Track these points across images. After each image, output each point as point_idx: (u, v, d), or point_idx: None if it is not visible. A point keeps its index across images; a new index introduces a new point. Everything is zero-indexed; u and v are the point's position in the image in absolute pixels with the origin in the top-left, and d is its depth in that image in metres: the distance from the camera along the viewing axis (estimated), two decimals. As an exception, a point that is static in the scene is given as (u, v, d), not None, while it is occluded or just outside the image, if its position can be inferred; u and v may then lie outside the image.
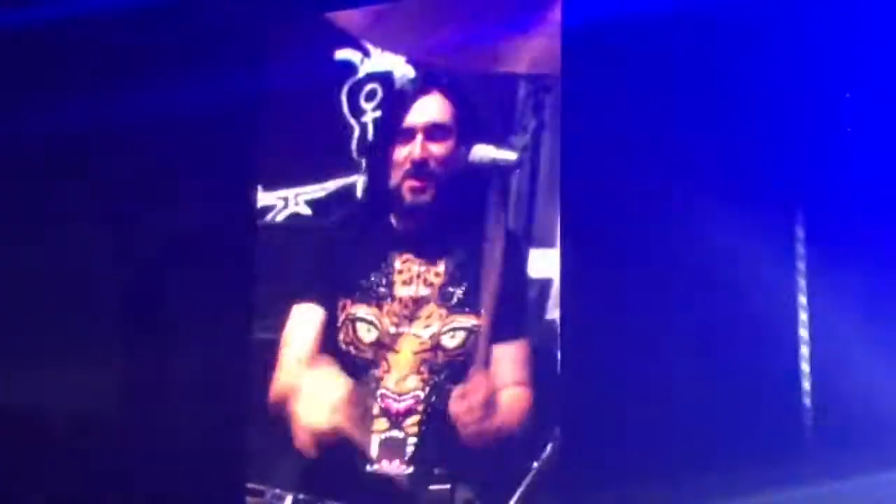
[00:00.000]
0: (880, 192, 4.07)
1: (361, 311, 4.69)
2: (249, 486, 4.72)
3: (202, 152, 4.91)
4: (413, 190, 4.64)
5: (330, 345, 4.72)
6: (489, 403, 4.49)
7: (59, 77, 5.04)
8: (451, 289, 4.64)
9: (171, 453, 4.80)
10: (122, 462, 4.87)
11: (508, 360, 4.56)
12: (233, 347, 4.81)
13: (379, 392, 4.62)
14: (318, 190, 4.86)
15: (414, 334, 4.63)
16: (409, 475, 4.58)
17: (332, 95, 4.87)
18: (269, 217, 4.92)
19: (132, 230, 5.04)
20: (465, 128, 4.65)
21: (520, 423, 4.50)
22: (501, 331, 4.59)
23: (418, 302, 4.64)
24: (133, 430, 4.89)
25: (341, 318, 4.71)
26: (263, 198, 4.92)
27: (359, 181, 4.80)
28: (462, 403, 4.50)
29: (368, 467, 4.61)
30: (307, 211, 4.88)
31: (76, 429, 4.98)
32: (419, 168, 4.62)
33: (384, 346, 4.65)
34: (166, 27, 4.94)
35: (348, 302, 4.70)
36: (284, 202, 4.90)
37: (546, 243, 4.54)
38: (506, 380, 4.54)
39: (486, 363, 4.53)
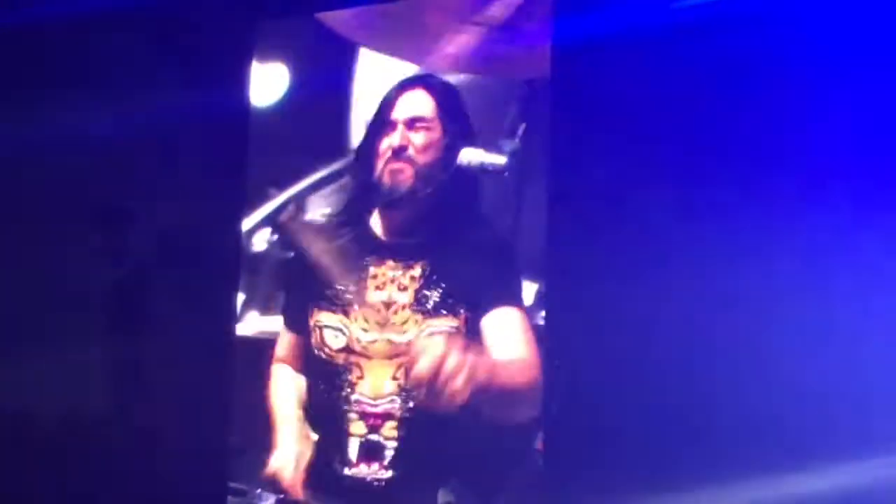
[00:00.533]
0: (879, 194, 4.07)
1: (326, 318, 4.71)
2: (232, 485, 4.72)
3: (190, 154, 4.90)
4: (392, 173, 4.69)
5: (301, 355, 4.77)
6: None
7: (48, 79, 5.04)
8: (426, 292, 4.64)
9: (154, 452, 4.80)
10: (105, 460, 4.86)
11: (502, 324, 4.55)
12: (216, 347, 4.80)
13: (354, 397, 4.64)
14: (307, 192, 4.86)
15: (388, 340, 4.64)
16: (390, 479, 4.59)
17: (322, 96, 4.88)
18: (255, 218, 4.92)
19: (117, 230, 5.03)
20: (449, 122, 4.70)
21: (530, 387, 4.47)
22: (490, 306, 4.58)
23: (391, 307, 4.65)
24: (116, 429, 4.89)
25: (311, 323, 4.73)
26: (251, 199, 4.93)
27: (345, 182, 4.82)
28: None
29: (347, 470, 4.62)
30: (295, 213, 4.88)
31: (58, 427, 4.97)
32: (398, 153, 4.69)
33: (354, 352, 4.66)
34: (152, 29, 4.94)
35: (315, 309, 4.73)
36: (273, 204, 4.91)
37: (532, 248, 4.54)
38: (505, 348, 4.53)
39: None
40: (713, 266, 4.17)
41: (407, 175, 4.68)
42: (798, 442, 4.02)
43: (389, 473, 4.60)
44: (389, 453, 4.60)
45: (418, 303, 4.64)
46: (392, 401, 4.61)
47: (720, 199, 4.20)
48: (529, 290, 4.62)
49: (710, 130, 4.23)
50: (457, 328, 4.59)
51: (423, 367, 4.37)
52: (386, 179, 4.70)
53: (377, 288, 4.67)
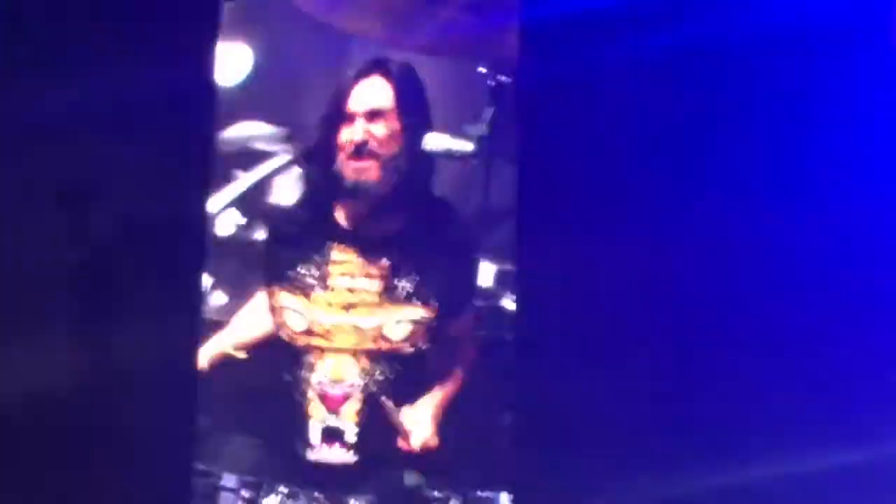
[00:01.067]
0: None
1: (286, 299, 4.69)
2: (199, 467, 4.71)
3: (154, 135, 4.83)
4: (356, 170, 4.62)
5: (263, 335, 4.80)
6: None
7: (6, 57, 4.95)
8: (396, 281, 4.63)
9: (120, 434, 4.76)
10: (70, 442, 4.82)
11: (456, 340, 4.69)
12: (183, 329, 4.76)
13: (315, 379, 4.64)
14: (274, 174, 4.84)
15: (353, 325, 4.63)
16: (353, 462, 4.60)
17: (288, 77, 4.84)
18: (222, 200, 4.90)
19: (80, 212, 4.97)
20: (410, 110, 4.65)
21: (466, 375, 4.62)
22: (451, 317, 4.67)
23: (357, 293, 4.64)
24: (81, 411, 4.84)
25: (274, 305, 4.72)
26: (218, 181, 4.89)
27: (304, 168, 4.79)
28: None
29: (310, 454, 4.63)
30: (259, 198, 4.86)
31: (21, 410, 4.92)
32: (360, 149, 4.61)
33: (315, 334, 4.65)
34: (114, 5, 4.86)
35: (276, 289, 4.70)
36: (240, 186, 4.88)
37: (501, 234, 4.54)
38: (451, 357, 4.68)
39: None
40: (685, 250, 4.18)
41: (372, 171, 4.62)
42: (773, 427, 4.06)
43: (352, 456, 4.60)
44: (350, 437, 4.60)
45: (388, 291, 4.63)
46: (353, 384, 4.61)
47: (692, 182, 4.20)
48: (490, 272, 4.64)
49: (682, 114, 4.22)
50: (429, 318, 4.61)
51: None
52: (349, 175, 4.62)
53: (342, 274, 4.65)
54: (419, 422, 4.60)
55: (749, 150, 4.19)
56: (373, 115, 4.61)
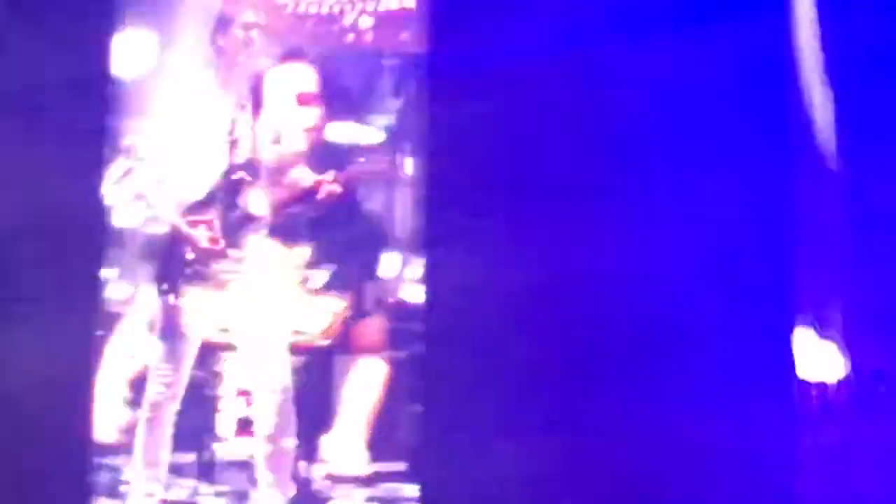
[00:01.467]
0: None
1: (200, 295, 4.64)
2: (101, 461, 4.67)
3: (54, 129, 4.76)
4: (279, 155, 4.61)
5: (171, 330, 4.70)
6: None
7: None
8: (313, 272, 4.63)
9: (22, 425, 4.71)
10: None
11: (367, 331, 4.64)
12: (84, 320, 4.72)
13: (231, 374, 4.61)
14: (177, 167, 4.79)
15: (272, 318, 4.61)
16: (264, 453, 4.59)
17: (192, 71, 4.80)
18: (123, 192, 4.83)
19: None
20: (332, 99, 4.65)
21: (379, 397, 4.57)
22: (363, 309, 4.65)
23: (274, 285, 4.62)
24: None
25: (184, 302, 4.66)
26: (118, 173, 4.83)
27: (221, 157, 4.75)
28: None
29: (220, 447, 4.60)
30: (166, 189, 4.80)
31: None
32: (286, 134, 4.61)
33: (231, 330, 4.62)
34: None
35: (189, 287, 4.65)
36: (142, 178, 4.83)
37: (406, 223, 4.55)
38: (362, 349, 4.63)
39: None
40: (596, 242, 4.22)
41: (294, 156, 4.62)
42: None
43: (267, 446, 4.59)
44: (262, 427, 4.58)
45: (305, 282, 4.62)
46: (269, 378, 4.59)
47: (601, 174, 4.25)
48: (396, 263, 4.65)
49: (590, 108, 4.26)
50: (344, 310, 4.62)
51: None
52: (271, 160, 4.62)
53: (258, 266, 4.62)
54: (350, 451, 4.58)
55: (658, 145, 4.24)
56: (297, 101, 4.59)
